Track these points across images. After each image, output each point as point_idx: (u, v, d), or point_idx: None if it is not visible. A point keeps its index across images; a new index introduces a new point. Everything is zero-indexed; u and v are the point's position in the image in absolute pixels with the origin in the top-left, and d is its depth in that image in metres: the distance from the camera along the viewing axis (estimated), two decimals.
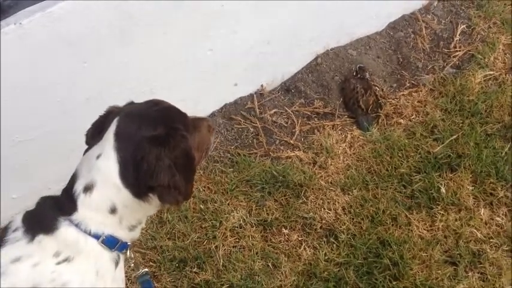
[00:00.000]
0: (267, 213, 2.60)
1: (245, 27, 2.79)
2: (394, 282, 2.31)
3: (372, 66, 3.23)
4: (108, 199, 1.53)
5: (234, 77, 3.00)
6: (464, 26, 3.36)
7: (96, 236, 1.53)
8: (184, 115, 1.68)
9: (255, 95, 3.11)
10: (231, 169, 2.80)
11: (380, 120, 2.97)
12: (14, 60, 2.14)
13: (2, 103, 2.16)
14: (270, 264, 2.44)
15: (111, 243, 1.56)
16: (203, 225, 2.58)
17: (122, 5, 2.32)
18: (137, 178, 1.51)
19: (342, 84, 3.13)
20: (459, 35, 3.34)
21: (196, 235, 2.55)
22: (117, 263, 1.61)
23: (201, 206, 2.65)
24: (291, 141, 2.92)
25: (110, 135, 1.54)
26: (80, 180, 1.54)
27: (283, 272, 2.41)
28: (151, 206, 1.60)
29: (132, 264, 1.74)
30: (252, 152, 2.89)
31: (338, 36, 3.27)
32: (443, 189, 2.55)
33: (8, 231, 1.57)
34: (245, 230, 2.56)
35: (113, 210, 1.54)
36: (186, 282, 2.38)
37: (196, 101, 2.93)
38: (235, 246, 2.52)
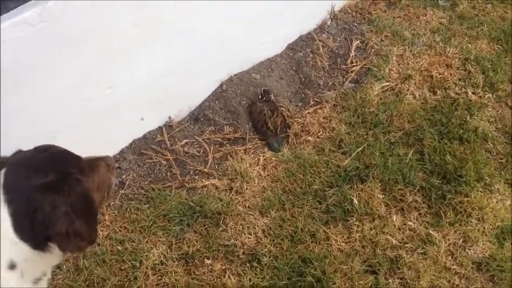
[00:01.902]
0: (188, 246, 2.55)
1: (139, 64, 2.75)
2: None
3: (276, 88, 3.28)
4: (4, 256, 1.44)
5: (139, 112, 2.94)
6: (358, 41, 3.50)
7: None
8: (76, 157, 1.63)
9: (163, 128, 3.06)
10: (147, 205, 2.73)
11: (290, 140, 3.02)
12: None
13: None
14: None
15: None
16: (122, 267, 2.49)
17: (9, 50, 2.21)
18: (33, 230, 1.45)
19: (249, 108, 3.16)
20: (354, 50, 3.47)
21: (117, 278, 2.45)
22: None
23: (118, 247, 2.56)
24: (205, 170, 2.90)
25: None
26: None
27: None
28: (53, 255, 1.52)
29: None
30: (166, 185, 2.83)
31: (240, 62, 3.30)
32: (355, 201, 2.61)
33: None
34: (167, 266, 2.49)
35: (12, 266, 1.46)
36: None
37: (104, 139, 2.85)
38: (158, 284, 2.45)
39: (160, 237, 2.60)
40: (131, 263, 2.48)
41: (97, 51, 2.53)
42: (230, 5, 2.95)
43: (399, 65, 3.34)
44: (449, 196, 2.63)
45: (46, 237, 1.46)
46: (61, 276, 2.47)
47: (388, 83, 3.21)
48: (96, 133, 2.78)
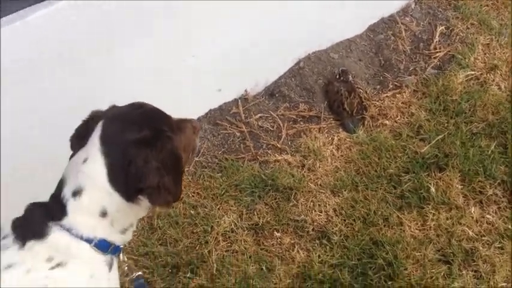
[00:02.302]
0: (258, 217, 2.58)
1: (225, 34, 2.79)
2: (389, 282, 2.31)
3: (354, 69, 3.25)
4: (98, 203, 1.51)
5: (217, 83, 2.98)
6: (443, 27, 3.42)
7: (89, 240, 1.51)
8: (168, 117, 1.67)
9: (239, 100, 3.09)
10: (220, 174, 2.77)
11: (365, 122, 2.99)
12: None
13: None
14: (264, 267, 2.42)
15: (103, 247, 1.53)
16: (194, 231, 2.55)
17: (102, 15, 2.28)
18: (126, 181, 1.50)
19: (326, 87, 3.14)
20: (438, 36, 3.39)
21: (188, 240, 2.51)
22: (110, 266, 1.58)
23: (191, 211, 2.62)
24: (278, 145, 2.91)
25: (95, 140, 1.52)
26: (68, 186, 1.51)
27: (278, 275, 2.39)
28: (142, 208, 1.58)
29: (126, 268, 1.71)
30: (239, 156, 2.87)
31: (319, 40, 3.29)
32: (433, 189, 2.57)
33: None
34: (237, 234, 2.53)
35: (104, 214, 1.52)
36: (181, 287, 2.33)
37: (181, 107, 2.86)
38: (228, 250, 2.49)
39: (232, 206, 2.64)
40: (203, 228, 2.54)
41: (189, 18, 2.57)
42: None
43: (485, 54, 3.25)
44: None
45: (138, 190, 1.50)
46: (136, 233, 2.55)
47: (473, 72, 3.12)
48: (174, 100, 2.83)
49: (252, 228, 2.56)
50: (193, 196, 2.69)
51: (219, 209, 2.62)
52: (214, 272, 2.40)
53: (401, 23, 3.46)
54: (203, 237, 2.52)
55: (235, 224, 2.56)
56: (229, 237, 2.53)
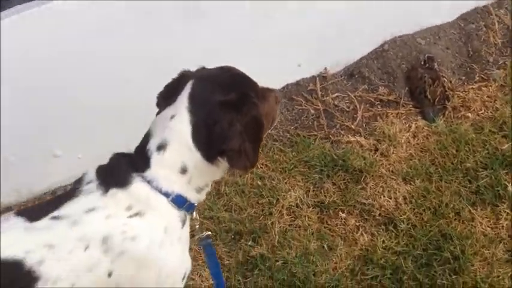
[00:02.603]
0: (325, 196, 2.58)
1: (312, 8, 2.77)
2: (454, 277, 2.26)
3: (440, 57, 3.16)
4: (179, 159, 1.55)
5: (298, 58, 2.98)
6: None
7: (167, 194, 1.55)
8: (255, 83, 1.69)
9: (317, 78, 3.08)
10: (290, 149, 2.79)
11: (446, 113, 2.92)
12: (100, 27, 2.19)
13: (82, 70, 2.20)
14: (325, 245, 2.43)
15: (179, 202, 1.58)
16: (260, 201, 2.58)
17: None
18: (209, 141, 1.54)
19: (409, 73, 3.08)
20: None
21: (253, 210, 2.55)
22: (184, 222, 1.63)
23: (258, 182, 2.65)
24: (352, 126, 2.89)
25: (184, 98, 1.57)
26: (154, 139, 1.56)
27: (339, 255, 2.39)
28: (219, 169, 1.62)
29: (197, 226, 1.74)
30: (311, 133, 2.87)
31: (407, 23, 3.21)
32: (510, 187, 2.48)
33: (82, 183, 1.59)
34: (301, 209, 2.55)
35: (184, 171, 1.56)
36: (242, 254, 2.39)
37: (259, 78, 2.91)
38: (291, 224, 2.51)
39: (299, 181, 2.65)
40: (268, 199, 2.57)
41: None
42: None
43: None
44: None
45: (219, 151, 1.54)
46: (209, 190, 2.60)
47: None
48: (253, 71, 2.86)
49: (317, 206, 2.57)
50: (261, 167, 2.72)
51: (286, 183, 2.64)
52: (276, 243, 2.42)
53: (495, 15, 3.32)
54: (268, 209, 2.55)
55: (301, 199, 2.58)
56: (293, 211, 2.54)
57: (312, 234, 2.46)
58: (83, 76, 2.30)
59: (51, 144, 2.47)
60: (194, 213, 1.68)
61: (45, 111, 2.33)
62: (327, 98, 2.99)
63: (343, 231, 2.48)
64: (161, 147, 1.54)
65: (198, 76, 1.64)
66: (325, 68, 3.09)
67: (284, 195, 2.59)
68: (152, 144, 1.55)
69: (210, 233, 1.82)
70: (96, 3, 2.22)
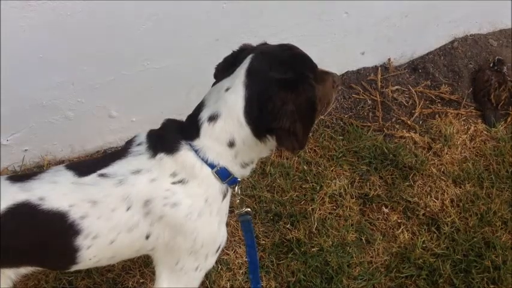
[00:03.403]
0: (370, 188, 2.59)
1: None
2: (492, 286, 2.24)
3: (511, 61, 3.07)
4: (229, 132, 1.58)
5: (362, 45, 2.97)
6: None
7: (212, 166, 1.59)
8: (314, 64, 1.68)
9: (379, 68, 3.07)
10: (341, 137, 2.80)
11: (509, 119, 2.84)
12: None
13: (142, 29, 2.28)
14: (363, 238, 2.44)
15: (223, 175, 1.61)
16: (303, 186, 2.61)
17: None
18: (260, 117, 1.55)
19: (475, 74, 3.02)
20: None
21: (295, 193, 2.59)
22: (224, 195, 1.67)
23: (304, 166, 2.68)
24: (408, 122, 2.87)
25: (241, 71, 1.58)
26: (206, 110, 1.60)
27: (376, 249, 2.40)
28: (266, 147, 1.64)
29: (238, 201, 1.78)
30: (365, 124, 2.87)
31: (481, 22, 3.15)
32: None
33: (132, 144, 1.66)
34: (344, 199, 2.56)
35: (231, 144, 1.59)
36: (278, 235, 2.43)
37: (319, 61, 2.93)
38: (332, 213, 2.53)
39: (345, 171, 2.67)
40: (312, 185, 2.60)
41: None
42: None
43: None
44: None
45: (269, 128, 1.56)
46: (255, 167, 2.65)
47: None
48: (314, 53, 2.87)
49: (361, 198, 2.58)
50: (309, 152, 2.75)
51: (332, 170, 2.66)
52: (314, 230, 2.45)
53: None
54: (310, 194, 2.58)
55: (345, 189, 2.59)
56: (335, 200, 2.57)
57: (352, 225, 2.48)
58: (143, 40, 2.37)
59: (109, 105, 2.58)
60: (236, 188, 1.71)
61: (105, 73, 2.43)
62: (386, 89, 2.98)
63: (384, 227, 2.49)
64: (212, 118, 1.58)
65: (258, 51, 1.64)
66: (389, 59, 3.07)
67: (328, 183, 2.61)
68: (204, 114, 1.59)
69: (249, 209, 1.84)
70: None
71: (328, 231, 2.45)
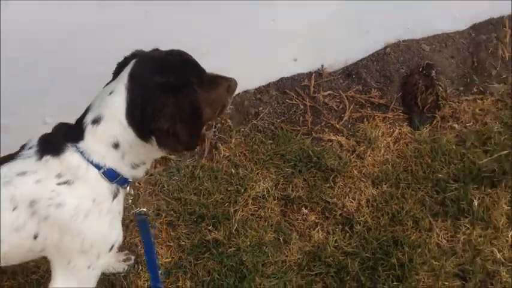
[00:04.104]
0: (292, 190, 2.68)
1: (306, 5, 2.83)
2: (396, 283, 2.32)
3: (442, 65, 3.16)
4: (112, 134, 1.67)
5: (294, 52, 3.06)
6: None
7: (98, 167, 1.68)
8: (201, 70, 1.77)
9: (313, 74, 3.15)
10: (270, 141, 2.89)
11: (434, 122, 2.92)
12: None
13: (75, 37, 2.37)
14: (281, 238, 2.53)
15: (111, 175, 1.70)
16: (229, 188, 2.70)
17: None
18: (141, 119, 1.64)
19: (405, 78, 3.10)
20: None
21: (220, 196, 2.68)
22: (115, 195, 1.75)
23: (232, 169, 2.77)
24: (337, 125, 2.96)
25: (124, 75, 1.67)
26: (91, 113, 1.69)
27: (291, 249, 2.49)
28: (153, 148, 1.71)
29: (130, 201, 1.87)
30: (295, 128, 2.96)
31: (414, 27, 3.22)
32: (475, 203, 2.49)
33: (25, 148, 1.77)
34: (267, 201, 2.65)
35: (116, 146, 1.68)
36: (199, 237, 2.52)
37: (253, 68, 3.03)
38: (253, 214, 2.62)
39: (271, 173, 2.75)
40: (237, 187, 2.69)
41: None
42: None
43: None
44: None
45: (149, 130, 1.65)
46: (177, 178, 2.77)
47: None
48: (247, 61, 2.97)
49: (283, 199, 2.67)
50: (239, 156, 2.84)
51: (258, 173, 2.75)
52: (233, 231, 2.55)
53: (509, 27, 3.27)
54: (234, 197, 2.67)
55: (268, 191, 2.68)
56: (258, 202, 2.66)
57: (271, 226, 2.57)
58: (74, 47, 2.45)
59: (44, 111, 2.66)
60: (128, 188, 1.80)
61: (39, 79, 2.50)
62: (318, 95, 3.07)
63: (302, 227, 2.57)
64: (96, 120, 1.67)
65: (143, 56, 1.74)
66: (322, 65, 3.16)
67: (253, 185, 2.70)
68: (88, 117, 1.68)
69: (145, 209, 1.92)
70: None
71: (247, 231, 2.54)
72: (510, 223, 2.47)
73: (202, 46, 2.74)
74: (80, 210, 1.70)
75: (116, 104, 1.65)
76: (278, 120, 3.00)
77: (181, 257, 2.49)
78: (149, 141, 1.68)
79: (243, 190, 2.69)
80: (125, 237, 2.56)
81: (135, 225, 2.59)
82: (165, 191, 2.71)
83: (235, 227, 2.56)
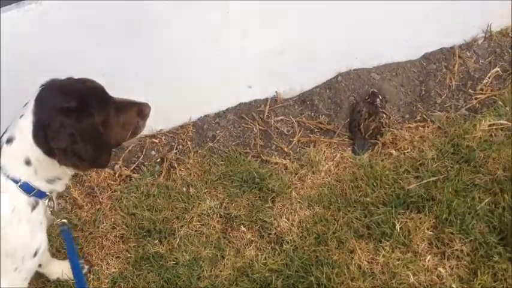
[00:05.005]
0: (235, 209, 2.77)
1: (256, 35, 2.93)
2: None
3: (391, 94, 3.20)
4: (23, 152, 1.86)
5: (247, 80, 3.16)
6: (499, 69, 3.18)
7: (15, 180, 1.87)
8: (105, 96, 1.94)
9: (269, 100, 3.24)
10: (222, 162, 2.99)
11: (376, 148, 2.97)
12: (34, 34, 2.52)
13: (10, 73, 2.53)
14: (218, 254, 2.63)
15: (27, 189, 1.89)
16: (178, 206, 2.82)
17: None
18: (45, 139, 1.82)
19: (353, 106, 3.16)
20: (492, 77, 3.17)
21: (170, 213, 2.79)
22: (34, 207, 1.93)
23: (184, 188, 2.89)
24: (285, 149, 3.04)
25: (32, 100, 1.88)
26: (6, 133, 1.90)
27: (225, 264, 2.59)
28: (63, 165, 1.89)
29: (49, 213, 2.01)
30: (247, 151, 3.06)
31: (365, 57, 3.27)
32: (398, 227, 2.53)
33: None
34: (211, 219, 2.76)
35: (28, 162, 1.87)
36: (142, 250, 2.65)
37: (213, 95, 3.16)
38: (197, 230, 2.73)
39: (219, 193, 2.86)
40: (185, 205, 2.81)
41: (218, 16, 2.78)
42: None
43: None
44: (496, 259, 2.39)
45: (50, 148, 1.83)
46: (134, 195, 2.90)
47: (506, 122, 2.89)
48: (209, 87, 3.10)
49: (226, 217, 2.77)
50: (193, 175, 2.95)
51: (206, 192, 2.86)
52: (176, 245, 2.66)
53: (459, 57, 3.28)
54: (182, 214, 2.79)
55: (213, 209, 2.78)
56: (203, 219, 2.76)
57: (211, 242, 2.67)
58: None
59: None
60: (46, 201, 1.97)
61: None
62: (271, 120, 3.16)
63: (239, 244, 2.66)
64: (9, 140, 1.87)
65: (50, 83, 1.94)
66: (276, 92, 3.24)
67: (200, 204, 2.81)
68: (4, 137, 1.89)
69: (65, 220, 2.09)
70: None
71: (187, 247, 2.65)
72: (430, 248, 2.50)
73: (155, 75, 2.91)
74: (1, 218, 1.87)
75: (25, 125, 1.85)
76: (233, 143, 3.10)
77: (127, 268, 2.61)
78: (55, 158, 1.85)
79: (190, 208, 2.80)
80: (81, 247, 2.72)
81: (91, 235, 2.75)
82: (123, 206, 2.85)
83: (177, 242, 2.67)
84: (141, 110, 2.04)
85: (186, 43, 2.89)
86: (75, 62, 2.52)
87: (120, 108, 1.98)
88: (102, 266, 2.66)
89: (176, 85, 3.03)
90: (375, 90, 3.13)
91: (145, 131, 3.08)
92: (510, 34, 3.34)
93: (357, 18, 3.08)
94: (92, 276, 2.63)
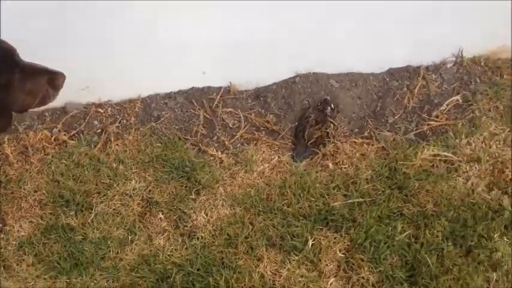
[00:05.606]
0: (158, 194, 2.67)
1: (218, 23, 2.78)
2: None
3: (345, 104, 3.05)
4: None
5: (201, 65, 3.03)
6: (461, 99, 3.01)
7: None
8: (13, 59, 1.84)
9: (222, 89, 3.11)
10: (159, 144, 2.88)
11: (315, 157, 2.84)
12: None
13: None
14: (129, 237, 2.54)
15: None
16: (103, 181, 2.72)
17: None
18: None
19: (304, 110, 3.02)
20: (450, 105, 3.00)
21: (94, 186, 2.70)
22: None
23: (113, 164, 2.79)
24: (226, 142, 2.92)
25: None
26: None
27: (132, 249, 2.49)
28: None
29: None
30: (187, 137, 2.94)
31: (327, 62, 3.11)
32: (310, 243, 2.42)
33: None
34: (132, 200, 2.66)
35: None
36: (56, 219, 2.57)
37: (164, 75, 3.04)
38: (115, 209, 2.64)
39: (148, 175, 2.75)
40: (110, 181, 2.71)
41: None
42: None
43: (482, 143, 2.81)
44: None
45: None
46: (65, 162, 2.81)
47: (451, 155, 2.74)
48: (163, 67, 2.98)
49: (147, 201, 2.67)
50: (128, 153, 2.85)
51: (134, 172, 2.76)
52: (89, 221, 2.57)
53: (423, 78, 3.11)
54: (104, 190, 2.69)
55: (137, 191, 2.69)
56: (124, 199, 2.67)
57: (126, 224, 2.58)
58: None
59: None
60: None
61: None
62: (218, 110, 3.03)
63: (153, 231, 2.57)
64: None
65: None
66: (230, 82, 3.11)
67: (125, 182, 2.71)
68: None
69: None
70: None
71: (100, 224, 2.56)
72: (338, 271, 2.39)
73: (113, 47, 2.80)
74: None
75: None
76: (176, 127, 2.99)
77: (36, 235, 2.54)
78: None
79: (115, 185, 2.70)
80: None
81: (12, 194, 2.67)
82: (50, 171, 2.76)
83: (91, 218, 2.58)
84: (52, 79, 1.93)
85: (145, 22, 2.76)
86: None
87: (29, 73, 1.86)
88: (14, 227, 2.59)
89: (130, 58, 2.91)
90: (328, 98, 2.98)
91: (93, 99, 3.01)
92: (482, 63, 3.15)
93: (325, 21, 2.92)
94: (2, 235, 2.55)
